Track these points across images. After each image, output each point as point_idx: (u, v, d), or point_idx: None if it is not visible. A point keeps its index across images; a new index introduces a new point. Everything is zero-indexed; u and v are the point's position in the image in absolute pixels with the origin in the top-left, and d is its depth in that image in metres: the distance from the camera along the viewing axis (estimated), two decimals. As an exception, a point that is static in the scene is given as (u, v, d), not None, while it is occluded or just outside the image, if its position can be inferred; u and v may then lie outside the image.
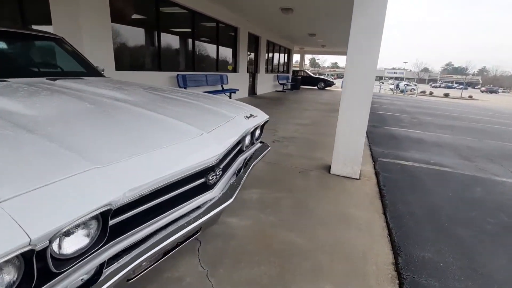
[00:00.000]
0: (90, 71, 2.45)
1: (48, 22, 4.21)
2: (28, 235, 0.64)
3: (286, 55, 16.60)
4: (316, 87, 19.67)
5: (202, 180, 1.28)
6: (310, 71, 28.74)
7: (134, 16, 5.46)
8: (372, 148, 4.57)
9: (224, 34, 8.89)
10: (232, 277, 1.55)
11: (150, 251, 1.00)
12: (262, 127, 2.21)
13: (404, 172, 3.54)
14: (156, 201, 1.06)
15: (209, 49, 8.32)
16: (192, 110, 1.65)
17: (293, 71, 19.41)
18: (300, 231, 2.03)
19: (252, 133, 2.00)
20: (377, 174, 3.36)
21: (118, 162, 0.94)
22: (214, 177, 1.34)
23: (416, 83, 38.19)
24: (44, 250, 0.71)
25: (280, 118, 6.56)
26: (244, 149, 1.92)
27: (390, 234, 2.10)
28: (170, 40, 6.51)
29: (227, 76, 8.71)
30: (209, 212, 1.25)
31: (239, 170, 1.75)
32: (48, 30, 2.75)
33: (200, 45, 7.73)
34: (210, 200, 1.33)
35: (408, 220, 2.34)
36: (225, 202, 1.34)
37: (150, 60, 6.02)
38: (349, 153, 3.10)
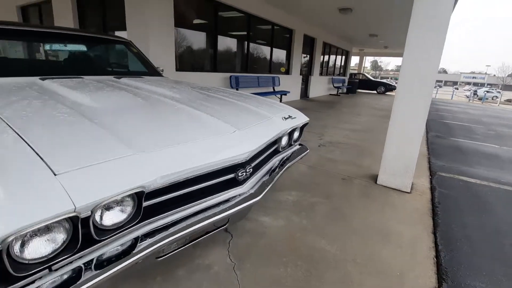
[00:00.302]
0: (150, 71, 2.75)
1: (124, 28, 4.83)
2: (74, 204, 0.77)
3: (343, 57, 15.95)
4: (375, 92, 18.46)
5: (232, 175, 1.35)
6: (370, 75, 27.07)
7: (195, 21, 5.89)
8: (431, 160, 4.13)
9: (279, 36, 8.97)
10: (257, 274, 1.59)
11: (178, 233, 1.09)
12: (301, 129, 2.20)
13: (466, 189, 3.12)
14: (186, 190, 1.16)
15: (263, 51, 8.50)
16: (231, 108, 1.74)
17: (351, 74, 18.54)
18: (331, 239, 1.96)
19: (290, 135, 2.01)
20: (432, 189, 3.03)
21: (154, 151, 1.05)
22: (244, 173, 1.39)
23: (500, 90, 33.00)
24: (87, 218, 0.84)
25: (329, 122, 6.37)
26: (280, 150, 1.94)
27: (437, 257, 1.89)
28: (226, 43, 6.84)
29: (279, 78, 8.77)
30: (236, 207, 1.31)
31: (274, 170, 1.77)
32: (123, 36, 3.16)
33: (254, 47, 7.96)
34: (240, 195, 1.39)
35: (462, 243, 2.07)
36: (253, 199, 1.38)
37: (207, 61, 6.41)
38: (400, 164, 2.86)
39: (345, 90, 15.42)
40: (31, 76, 1.77)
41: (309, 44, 11.07)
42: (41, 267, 0.80)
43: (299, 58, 10.21)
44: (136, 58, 2.80)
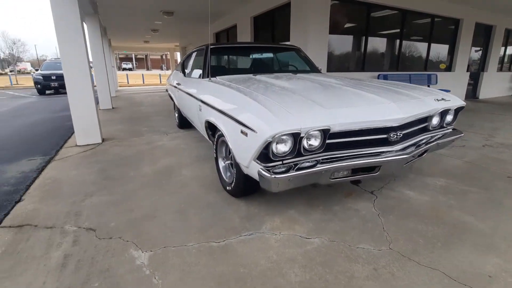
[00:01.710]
0: (313, 69, 3.50)
1: (287, 39, 5.97)
2: (300, 128, 1.50)
3: (542, 45, 11.91)
4: None
5: (385, 136, 1.81)
6: None
7: (346, 26, 6.37)
8: None
9: (440, 29, 8.02)
10: (398, 223, 1.94)
11: (344, 163, 1.68)
12: (456, 113, 2.30)
13: None
14: (353, 138, 1.73)
15: (418, 47, 7.87)
16: (386, 90, 2.17)
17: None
18: (481, 219, 2.00)
19: (442, 116, 2.20)
20: None
21: (335, 108, 1.69)
22: (395, 136, 1.81)
23: None
24: (301, 138, 1.57)
25: (502, 125, 5.28)
26: (431, 129, 2.17)
27: None
28: (376, 43, 6.91)
29: (436, 76, 7.86)
30: (387, 157, 1.76)
31: (422, 144, 2.05)
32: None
33: (407, 44, 7.54)
34: (390, 151, 1.82)
35: None
36: (400, 156, 1.78)
37: (355, 62, 6.75)
38: None
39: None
40: (248, 74, 2.84)
41: (483, 34, 9.16)
42: (278, 159, 1.58)
43: (467, 52, 8.67)
44: (303, 60, 3.64)
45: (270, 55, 3.51)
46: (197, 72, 3.32)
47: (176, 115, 4.97)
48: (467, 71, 9.03)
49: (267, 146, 1.54)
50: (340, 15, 6.06)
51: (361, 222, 1.94)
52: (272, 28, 7.01)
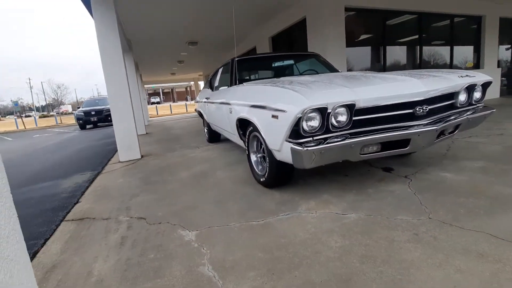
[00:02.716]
0: (334, 71, 3.65)
1: (305, 49, 6.22)
2: (327, 102, 1.62)
3: None
4: None
5: (411, 110, 1.86)
6: None
7: (363, 37, 6.50)
8: None
9: (461, 29, 7.90)
10: (437, 199, 1.92)
11: (371, 137, 1.75)
12: (484, 89, 2.30)
13: None
14: (379, 114, 1.81)
15: (441, 52, 7.74)
16: (409, 73, 2.24)
17: None
18: (529, 189, 1.92)
19: (469, 93, 2.20)
20: None
21: (359, 87, 1.80)
22: (421, 110, 1.87)
23: None
24: (328, 114, 1.68)
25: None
26: (459, 105, 2.18)
27: None
28: (395, 52, 6.91)
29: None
30: (414, 130, 1.80)
31: (449, 121, 2.06)
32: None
33: (428, 50, 7.46)
34: (417, 125, 1.86)
35: None
36: (429, 127, 1.82)
37: (375, 71, 6.79)
38: None
39: None
40: (273, 78, 3.04)
41: (510, 29, 8.84)
42: (308, 135, 1.70)
43: (494, 48, 8.38)
44: (323, 65, 3.80)
45: (291, 61, 3.73)
46: (225, 83, 3.60)
47: (206, 130, 5.27)
48: (498, 67, 8.67)
49: (297, 124, 1.67)
50: (356, 25, 6.25)
51: (396, 200, 1.95)
52: (290, 45, 7.35)
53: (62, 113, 40.24)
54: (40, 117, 34.94)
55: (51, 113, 44.82)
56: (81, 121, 13.33)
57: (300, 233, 1.63)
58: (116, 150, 5.41)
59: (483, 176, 2.26)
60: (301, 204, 2.04)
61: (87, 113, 13.36)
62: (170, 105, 25.11)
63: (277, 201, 2.13)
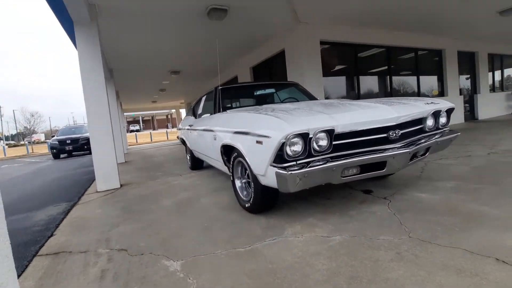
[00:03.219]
0: (312, 99, 3.85)
1: (284, 79, 6.52)
2: (308, 128, 1.72)
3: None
4: None
5: (385, 135, 2.00)
6: None
7: (338, 67, 6.97)
8: None
9: (425, 61, 8.69)
10: (415, 218, 2.00)
11: (350, 160, 1.84)
12: (448, 115, 2.52)
13: None
14: (355, 139, 1.93)
15: (409, 81, 8.40)
16: (380, 101, 2.43)
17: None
18: (496, 206, 2.06)
19: (436, 118, 2.41)
20: None
21: (337, 114, 1.92)
22: (394, 135, 2.01)
23: None
24: (310, 139, 1.77)
25: (504, 136, 5.42)
26: (427, 130, 2.37)
27: None
28: (368, 82, 7.44)
29: (430, 101, 8.24)
30: (389, 153, 1.93)
31: (420, 144, 2.22)
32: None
33: (397, 80, 8.07)
34: (392, 148, 1.99)
35: None
36: (402, 150, 1.95)
37: (350, 99, 7.21)
38: None
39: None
40: (255, 105, 3.16)
41: (468, 60, 9.83)
42: (292, 159, 1.77)
43: (455, 77, 9.22)
44: (302, 93, 4.01)
45: (273, 90, 3.91)
46: (208, 111, 3.68)
47: (188, 157, 5.24)
48: (460, 94, 9.47)
49: (281, 148, 1.74)
50: (331, 57, 6.72)
51: (378, 221, 2.02)
52: (270, 75, 7.69)
53: (34, 142, 38.39)
54: (9, 146, 33.08)
55: (22, 142, 42.61)
56: (54, 150, 12.76)
57: (287, 257, 1.64)
58: (93, 180, 5.23)
59: (456, 195, 2.40)
60: (287, 228, 2.05)
61: (62, 142, 12.85)
62: (151, 132, 24.79)
63: (263, 226, 2.13)
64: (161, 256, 1.82)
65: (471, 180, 2.78)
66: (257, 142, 1.93)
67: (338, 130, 1.85)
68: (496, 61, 10.99)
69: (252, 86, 3.93)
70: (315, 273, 1.45)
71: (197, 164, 4.99)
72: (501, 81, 11.43)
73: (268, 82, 3.99)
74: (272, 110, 2.33)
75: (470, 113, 10.13)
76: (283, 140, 1.70)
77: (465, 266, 1.38)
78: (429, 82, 8.92)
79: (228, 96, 3.60)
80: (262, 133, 1.89)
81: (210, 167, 5.11)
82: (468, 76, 10.07)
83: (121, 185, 4.40)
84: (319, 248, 1.71)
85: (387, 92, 7.79)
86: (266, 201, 2.27)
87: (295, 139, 1.75)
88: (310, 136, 1.76)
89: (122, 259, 1.85)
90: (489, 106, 10.51)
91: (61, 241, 2.30)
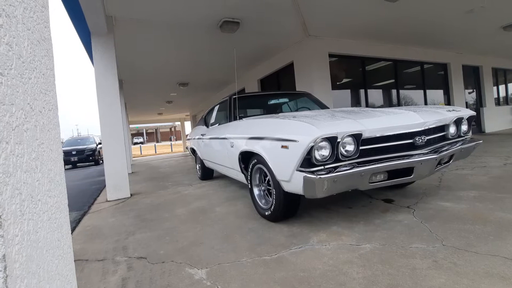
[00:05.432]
0: (323, 107, 3.85)
1: (293, 90, 6.56)
2: (336, 132, 1.70)
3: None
4: None
5: (411, 140, 1.97)
6: None
7: (346, 80, 7.02)
8: None
9: (431, 74, 8.76)
10: (444, 226, 1.94)
11: (377, 165, 1.81)
12: (469, 123, 2.49)
13: None
14: (383, 144, 1.90)
15: (415, 95, 8.41)
16: (403, 108, 2.41)
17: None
18: (528, 214, 1.99)
19: (457, 126, 2.38)
20: None
21: (364, 119, 1.90)
22: (420, 140, 1.98)
23: None
24: (338, 143, 1.74)
25: (519, 147, 5.35)
26: (450, 137, 2.34)
27: None
28: (374, 95, 7.43)
29: (438, 114, 8.24)
30: (416, 158, 1.89)
31: (445, 150, 2.19)
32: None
33: (404, 93, 8.09)
34: (418, 154, 1.96)
35: None
36: (429, 156, 1.92)
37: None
38: None
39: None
40: (271, 114, 3.16)
41: (472, 74, 9.91)
42: (320, 164, 1.73)
43: (461, 90, 9.26)
44: (314, 102, 4.02)
45: (286, 99, 3.92)
46: (222, 120, 3.68)
47: (198, 167, 5.20)
48: (466, 107, 9.47)
49: (309, 153, 1.71)
50: (339, 70, 6.78)
51: (406, 229, 1.95)
52: (278, 87, 7.76)
53: (37, 154, 38.37)
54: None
55: (26, 154, 42.72)
56: (60, 161, 12.76)
57: (318, 265, 1.57)
58: (101, 190, 5.19)
59: (481, 204, 2.34)
60: (311, 236, 1.99)
61: (67, 153, 12.88)
62: (155, 145, 24.86)
63: (286, 235, 2.06)
64: (183, 264, 1.76)
65: (492, 190, 2.71)
66: (283, 146, 1.90)
67: (365, 135, 1.83)
68: (500, 75, 11.07)
69: (266, 95, 3.95)
70: (351, 281, 1.38)
71: (207, 174, 4.94)
72: (506, 95, 11.46)
73: (281, 91, 4.01)
74: (293, 116, 2.32)
75: (477, 126, 10.09)
76: (312, 144, 1.67)
77: (508, 274, 1.32)
78: (436, 95, 8.95)
79: (242, 105, 3.60)
80: (288, 137, 1.86)
81: (220, 177, 5.05)
82: (472, 90, 10.12)
83: (131, 195, 4.34)
84: (349, 256, 1.64)
85: (394, 105, 7.81)
86: (288, 209, 2.22)
87: (323, 143, 1.73)
88: (338, 140, 1.73)
89: (142, 267, 1.79)
90: (495, 120, 10.49)
91: (76, 249, 2.24)
